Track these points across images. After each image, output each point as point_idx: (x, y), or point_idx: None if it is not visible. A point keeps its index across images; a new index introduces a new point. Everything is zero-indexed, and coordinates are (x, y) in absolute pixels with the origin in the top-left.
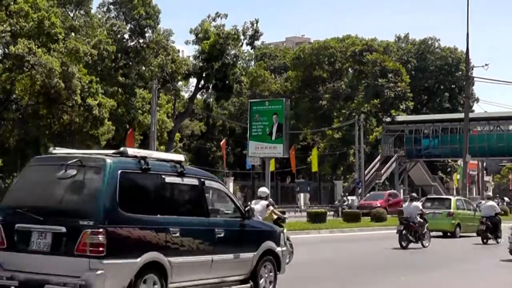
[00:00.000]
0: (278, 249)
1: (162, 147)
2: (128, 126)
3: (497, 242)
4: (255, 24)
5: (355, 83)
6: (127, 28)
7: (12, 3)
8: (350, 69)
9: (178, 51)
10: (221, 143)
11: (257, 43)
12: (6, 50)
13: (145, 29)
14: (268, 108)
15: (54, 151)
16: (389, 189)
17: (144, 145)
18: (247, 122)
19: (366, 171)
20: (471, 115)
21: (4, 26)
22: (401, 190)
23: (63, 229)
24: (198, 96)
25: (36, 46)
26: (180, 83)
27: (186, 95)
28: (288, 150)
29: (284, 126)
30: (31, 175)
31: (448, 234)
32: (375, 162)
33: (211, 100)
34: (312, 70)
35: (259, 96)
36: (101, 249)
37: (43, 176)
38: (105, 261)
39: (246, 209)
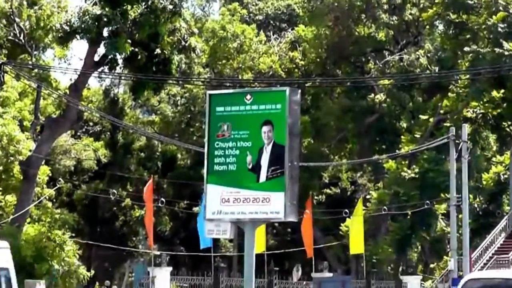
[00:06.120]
0: None
1: (9, 196)
2: None
3: None
4: None
5: (448, 53)
6: None
7: None
8: (438, 22)
9: None
10: (145, 188)
11: None
12: None
13: None
14: (251, 110)
15: None
16: None
17: None
18: (203, 142)
19: (476, 254)
20: None
21: None
22: None
23: None
24: (93, 81)
25: None
26: (51, 51)
27: (64, 78)
28: (297, 206)
29: (288, 150)
30: None
31: None
32: (495, 233)
33: (122, 91)
34: (351, 24)
35: (232, 84)
36: None
37: None
38: None
39: None
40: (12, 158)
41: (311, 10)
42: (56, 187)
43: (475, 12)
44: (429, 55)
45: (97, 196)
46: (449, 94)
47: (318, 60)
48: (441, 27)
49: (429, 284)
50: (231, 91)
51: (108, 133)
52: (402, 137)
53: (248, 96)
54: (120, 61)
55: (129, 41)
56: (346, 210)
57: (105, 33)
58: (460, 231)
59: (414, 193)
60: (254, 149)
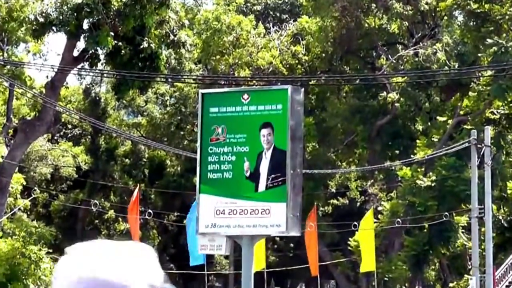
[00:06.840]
0: None
1: None
2: None
3: None
4: None
5: (469, 47)
6: None
7: None
8: (457, 12)
9: None
10: (131, 198)
11: None
12: None
13: None
14: (248, 111)
15: None
16: None
17: None
18: (195, 146)
19: (500, 271)
20: None
21: None
22: None
23: None
24: (72, 79)
25: None
26: (24, 46)
27: (40, 76)
28: (300, 218)
29: (290, 155)
30: None
31: None
32: None
33: (104, 89)
34: (361, 15)
35: (227, 82)
36: None
37: None
38: None
39: None
40: None
41: (316, 1)
42: (31, 197)
43: (498, 1)
44: (447, 49)
45: (77, 207)
46: (470, 92)
47: (323, 55)
48: (460, 18)
49: None
50: (226, 90)
51: (89, 137)
52: (418, 141)
53: (245, 96)
54: (102, 57)
55: (112, 34)
56: (355, 223)
57: (85, 25)
58: (482, 246)
59: (431, 203)
60: (252, 154)
